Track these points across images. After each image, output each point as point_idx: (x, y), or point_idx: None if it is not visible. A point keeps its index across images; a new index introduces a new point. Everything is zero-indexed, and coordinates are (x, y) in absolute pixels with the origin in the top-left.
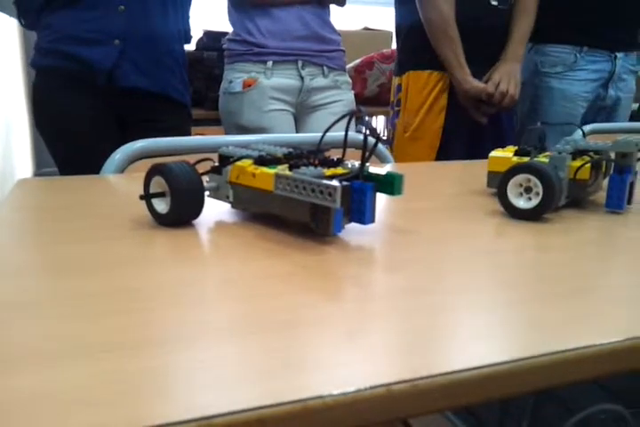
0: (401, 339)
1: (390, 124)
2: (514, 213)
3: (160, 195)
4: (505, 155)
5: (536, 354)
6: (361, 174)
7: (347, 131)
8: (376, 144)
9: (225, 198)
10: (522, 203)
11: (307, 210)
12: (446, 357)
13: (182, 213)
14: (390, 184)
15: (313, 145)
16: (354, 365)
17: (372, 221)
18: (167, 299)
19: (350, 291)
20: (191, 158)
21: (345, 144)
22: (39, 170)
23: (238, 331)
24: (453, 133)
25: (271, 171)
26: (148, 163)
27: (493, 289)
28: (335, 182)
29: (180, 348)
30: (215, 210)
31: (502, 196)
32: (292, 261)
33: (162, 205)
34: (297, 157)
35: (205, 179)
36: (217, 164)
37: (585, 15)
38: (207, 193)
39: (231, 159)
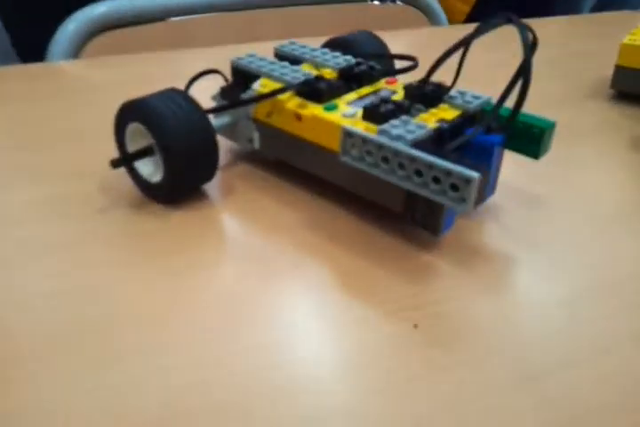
0: None
1: None
2: None
3: (145, 153)
4: None
5: None
6: (494, 119)
7: None
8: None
9: (246, 142)
10: None
11: (399, 196)
12: None
13: (183, 182)
14: (534, 139)
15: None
16: None
17: (493, 192)
18: (136, 328)
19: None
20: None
21: (463, 58)
22: None
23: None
24: None
25: (333, 116)
26: (115, 38)
27: None
28: (471, 171)
29: None
30: (234, 155)
31: None
32: (372, 281)
33: (149, 168)
34: (364, 76)
35: (212, 104)
36: (227, 80)
37: None
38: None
39: (254, 89)
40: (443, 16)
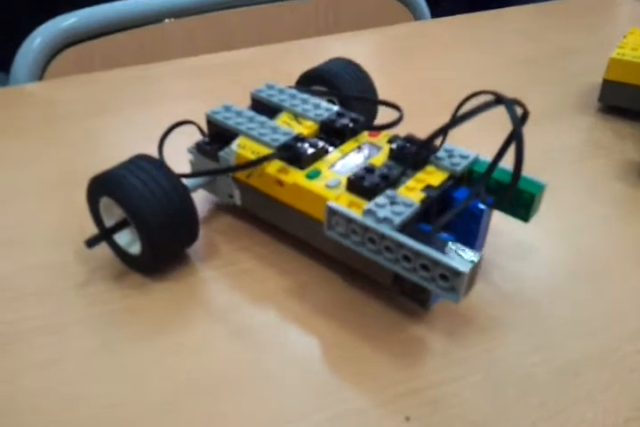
0: None
1: None
2: None
3: (121, 225)
4: None
5: None
6: (482, 189)
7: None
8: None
9: (227, 197)
10: None
11: (388, 271)
12: None
13: (162, 253)
14: (524, 204)
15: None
16: None
17: (481, 250)
18: None
19: None
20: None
21: (455, 117)
22: None
23: None
24: None
25: (316, 186)
26: (84, 51)
27: None
28: (462, 264)
29: None
30: (215, 207)
31: None
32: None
33: (127, 238)
34: (346, 130)
35: (188, 158)
36: (203, 133)
37: None
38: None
39: (232, 150)
40: (425, 7)
